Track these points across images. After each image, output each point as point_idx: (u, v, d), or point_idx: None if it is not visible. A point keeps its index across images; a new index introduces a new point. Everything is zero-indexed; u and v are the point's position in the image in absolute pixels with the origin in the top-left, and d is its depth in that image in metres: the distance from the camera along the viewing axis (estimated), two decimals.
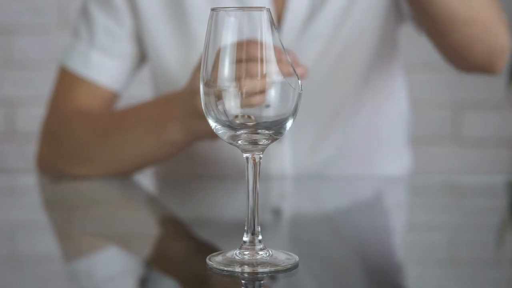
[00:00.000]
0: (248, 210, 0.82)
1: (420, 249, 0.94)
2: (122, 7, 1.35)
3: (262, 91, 0.79)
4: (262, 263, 0.80)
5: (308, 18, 1.32)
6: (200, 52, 1.20)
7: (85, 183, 1.28)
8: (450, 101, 2.36)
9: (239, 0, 1.31)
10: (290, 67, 0.79)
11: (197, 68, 1.12)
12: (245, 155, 0.82)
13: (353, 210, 1.16)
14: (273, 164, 1.35)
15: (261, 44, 0.78)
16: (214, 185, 1.33)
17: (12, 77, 2.41)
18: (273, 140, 0.81)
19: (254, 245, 0.81)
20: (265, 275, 0.79)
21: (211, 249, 0.87)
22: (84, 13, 1.37)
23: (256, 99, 0.79)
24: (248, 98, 0.79)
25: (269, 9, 0.79)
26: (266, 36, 0.78)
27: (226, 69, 0.79)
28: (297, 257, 0.82)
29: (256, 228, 0.82)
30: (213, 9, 0.79)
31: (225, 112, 0.79)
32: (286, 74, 0.79)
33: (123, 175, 1.30)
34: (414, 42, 1.66)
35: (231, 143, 0.82)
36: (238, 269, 0.80)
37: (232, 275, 0.79)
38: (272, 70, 0.78)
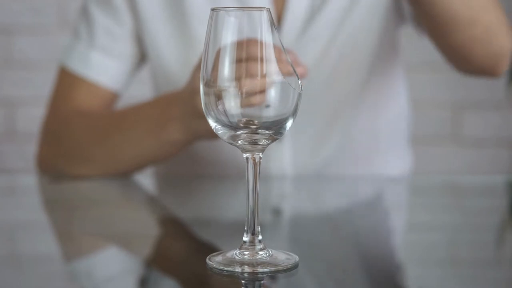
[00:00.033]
0: (248, 210, 0.82)
1: (420, 249, 0.94)
2: (122, 7, 1.35)
3: (262, 91, 0.79)
4: (262, 263, 0.80)
5: (308, 18, 1.32)
6: (200, 52, 1.20)
7: (85, 183, 1.28)
8: (450, 101, 2.36)
9: (239, 0, 1.31)
10: (290, 66, 0.79)
11: (197, 68, 1.12)
12: (245, 155, 0.82)
13: (353, 210, 1.16)
14: (273, 164, 1.35)
15: (261, 43, 0.78)
16: (214, 185, 1.33)
17: (12, 77, 2.41)
18: (273, 140, 0.81)
19: (254, 245, 0.81)
20: (265, 275, 0.79)
21: (211, 249, 0.87)
22: (84, 13, 1.37)
23: (256, 99, 0.79)
24: (248, 98, 0.79)
25: (269, 9, 0.79)
26: (266, 36, 0.78)
27: (226, 69, 0.79)
28: (297, 257, 0.82)
29: (256, 228, 0.82)
30: (213, 9, 0.79)
31: (225, 112, 0.79)
32: (286, 74, 0.79)
33: (123, 175, 1.30)
34: (414, 42, 1.66)
35: (231, 143, 0.82)
36: (238, 269, 0.80)
37: (232, 275, 0.79)
38: (272, 69, 0.78)
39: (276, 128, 0.80)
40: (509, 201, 1.26)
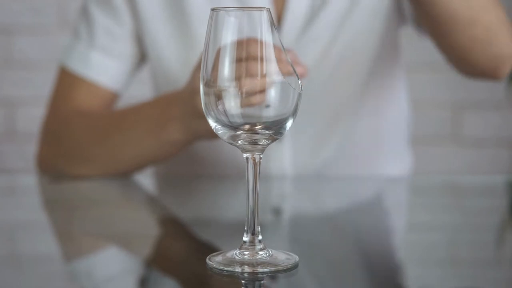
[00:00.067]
0: (248, 210, 0.82)
1: (420, 249, 0.94)
2: (122, 7, 1.35)
3: (262, 91, 0.79)
4: (262, 263, 0.80)
5: (308, 19, 1.32)
6: (200, 52, 1.20)
7: (85, 183, 1.28)
8: (450, 101, 2.36)
9: (239, 0, 1.31)
10: (290, 66, 0.79)
11: (197, 68, 1.12)
12: (245, 155, 0.82)
13: (353, 210, 1.16)
14: (273, 164, 1.35)
15: (261, 43, 0.78)
16: (214, 185, 1.33)
17: (12, 77, 2.41)
18: (273, 140, 0.81)
19: (254, 245, 0.81)
20: (265, 275, 0.79)
21: (211, 249, 0.87)
22: (84, 13, 1.37)
23: (256, 99, 0.79)
24: (248, 97, 0.79)
25: (269, 9, 0.79)
26: (266, 36, 0.78)
27: (226, 69, 0.79)
28: (297, 257, 0.82)
29: (256, 228, 0.82)
30: (213, 9, 0.79)
31: (225, 112, 0.79)
32: (286, 74, 0.79)
33: (123, 175, 1.30)
34: (414, 43, 1.66)
35: (231, 143, 0.81)
36: (238, 269, 0.80)
37: (232, 275, 0.79)
38: (272, 69, 0.78)
39: (276, 128, 0.80)
40: (509, 201, 1.26)
